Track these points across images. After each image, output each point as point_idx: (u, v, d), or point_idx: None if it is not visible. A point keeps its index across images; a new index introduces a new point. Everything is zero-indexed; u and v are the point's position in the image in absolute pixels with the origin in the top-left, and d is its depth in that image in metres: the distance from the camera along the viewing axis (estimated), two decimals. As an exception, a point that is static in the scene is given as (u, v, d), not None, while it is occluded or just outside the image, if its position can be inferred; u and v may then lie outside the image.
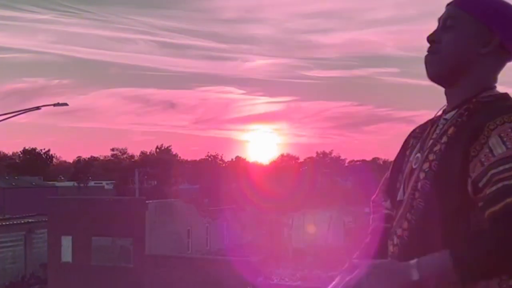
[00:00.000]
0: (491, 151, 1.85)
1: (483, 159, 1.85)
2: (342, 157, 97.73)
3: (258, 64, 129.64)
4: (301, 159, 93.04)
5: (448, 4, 2.14)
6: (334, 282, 2.07)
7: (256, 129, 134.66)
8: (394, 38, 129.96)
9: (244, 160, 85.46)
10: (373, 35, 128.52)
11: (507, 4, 2.08)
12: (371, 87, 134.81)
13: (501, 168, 1.80)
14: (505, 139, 1.84)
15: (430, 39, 2.11)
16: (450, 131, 2.01)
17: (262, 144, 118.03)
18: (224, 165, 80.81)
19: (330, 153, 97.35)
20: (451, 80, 2.10)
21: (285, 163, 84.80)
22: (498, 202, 1.78)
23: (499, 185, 1.79)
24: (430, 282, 1.82)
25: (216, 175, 60.84)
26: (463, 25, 2.06)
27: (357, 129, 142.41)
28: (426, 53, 2.13)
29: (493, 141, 1.85)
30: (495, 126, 1.87)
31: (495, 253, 1.76)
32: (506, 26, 2.05)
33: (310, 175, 61.37)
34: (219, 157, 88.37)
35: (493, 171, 1.81)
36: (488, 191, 1.81)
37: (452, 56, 2.06)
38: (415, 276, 1.82)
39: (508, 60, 2.10)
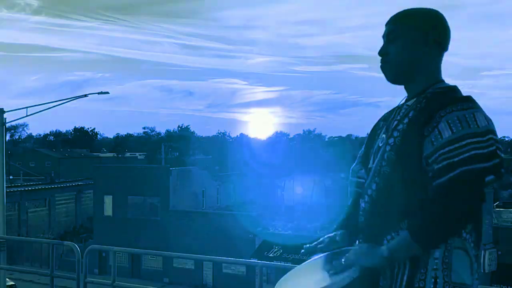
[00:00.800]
0: (440, 133, 1.87)
1: (433, 139, 1.88)
2: (323, 134, 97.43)
3: (258, 61, 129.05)
4: (291, 135, 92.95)
5: (386, 23, 2.14)
6: (317, 257, 2.12)
7: (256, 112, 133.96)
8: (363, 41, 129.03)
9: (246, 136, 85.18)
10: (347, 38, 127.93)
11: (431, 10, 2.10)
12: (345, 79, 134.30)
13: (446, 149, 1.84)
14: (451, 125, 1.87)
15: (381, 53, 2.12)
16: (411, 114, 2.03)
17: (260, 124, 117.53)
18: (231, 140, 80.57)
19: (314, 130, 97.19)
20: (407, 79, 2.11)
21: (278, 139, 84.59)
22: (443, 176, 1.82)
23: (444, 163, 1.83)
24: (399, 255, 1.89)
25: (225, 148, 60.79)
26: (404, 35, 2.08)
27: (335, 112, 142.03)
28: (380, 64, 2.13)
29: (442, 126, 1.88)
30: (445, 114, 1.90)
31: (442, 220, 1.81)
32: (436, 26, 2.07)
33: (298, 148, 61.31)
34: (227, 134, 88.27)
35: (440, 151, 1.85)
36: (436, 167, 1.85)
37: (402, 61, 2.08)
38: (385, 253, 1.88)
39: (444, 50, 2.11)
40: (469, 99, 1.96)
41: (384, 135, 2.10)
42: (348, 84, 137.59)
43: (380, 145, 2.10)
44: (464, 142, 1.83)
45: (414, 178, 1.90)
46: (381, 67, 2.12)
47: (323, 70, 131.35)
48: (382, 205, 2.00)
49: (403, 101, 2.15)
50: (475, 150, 1.81)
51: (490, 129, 1.87)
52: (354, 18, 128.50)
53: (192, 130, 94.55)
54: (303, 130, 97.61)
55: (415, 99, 2.07)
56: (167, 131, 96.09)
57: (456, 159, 1.81)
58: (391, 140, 2.04)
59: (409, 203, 1.91)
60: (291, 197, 42.70)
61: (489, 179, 1.82)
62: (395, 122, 2.08)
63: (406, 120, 2.03)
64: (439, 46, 2.08)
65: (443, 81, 2.09)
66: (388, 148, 2.03)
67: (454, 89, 2.05)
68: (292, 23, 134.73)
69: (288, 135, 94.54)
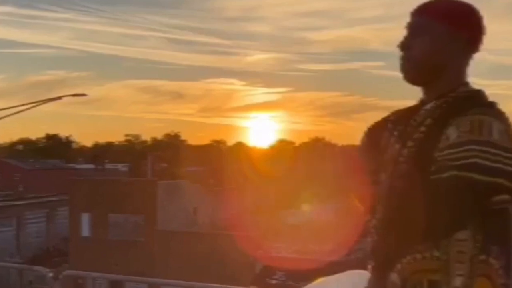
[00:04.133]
0: (447, 138, 1.91)
1: (440, 145, 1.92)
2: (334, 142, 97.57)
3: (258, 58, 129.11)
4: (297, 144, 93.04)
5: (412, 12, 2.13)
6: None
7: (256, 117, 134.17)
8: (380, 35, 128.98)
9: (245, 145, 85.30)
10: (361, 32, 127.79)
11: (467, 3, 2.09)
12: (359, 79, 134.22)
13: (446, 151, 1.88)
14: (460, 129, 1.89)
15: (402, 47, 2.11)
16: (428, 121, 2.03)
17: (261, 131, 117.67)
18: (227, 149, 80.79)
19: (323, 138, 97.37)
20: (428, 80, 2.10)
21: (282, 148, 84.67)
22: (434, 174, 1.87)
23: (441, 164, 1.88)
24: None
25: (220, 158, 60.85)
26: (431, 29, 2.06)
27: (347, 117, 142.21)
28: (400, 60, 2.12)
29: (451, 129, 1.91)
30: (459, 119, 1.92)
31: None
32: (470, 22, 2.07)
33: (304, 159, 61.41)
34: (223, 142, 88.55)
35: (443, 152, 1.89)
36: (433, 168, 1.89)
37: (426, 58, 2.07)
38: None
39: (473, 52, 2.11)
40: (491, 106, 1.98)
41: (397, 145, 2.10)
42: (362, 85, 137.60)
43: (394, 154, 2.10)
44: (467, 147, 1.85)
45: (428, 195, 1.90)
46: (402, 65, 2.12)
47: (334, 69, 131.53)
48: (395, 224, 2.00)
49: (418, 104, 2.16)
50: (477, 159, 1.83)
51: (503, 146, 1.87)
52: (369, 8, 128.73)
53: (182, 138, 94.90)
54: (311, 138, 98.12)
55: (434, 103, 2.08)
56: (154, 138, 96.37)
57: (454, 162, 1.84)
58: (405, 151, 2.04)
59: (429, 222, 1.91)
60: (295, 215, 42.66)
61: (503, 198, 1.85)
62: (410, 130, 2.08)
63: (422, 129, 2.03)
64: (471, 46, 2.09)
65: (467, 83, 2.10)
66: (401, 159, 2.04)
67: (479, 94, 2.06)
68: (298, 14, 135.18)
69: (294, 143, 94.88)
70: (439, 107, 2.04)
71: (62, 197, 41.93)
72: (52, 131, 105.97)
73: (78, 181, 38.84)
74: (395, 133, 2.15)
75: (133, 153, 75.93)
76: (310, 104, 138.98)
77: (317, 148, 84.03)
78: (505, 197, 1.85)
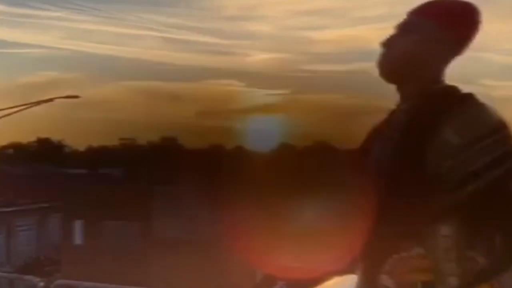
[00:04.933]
0: (447, 141, 1.93)
1: (441, 148, 1.94)
2: (338, 147, 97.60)
3: (258, 58, 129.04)
4: (299, 148, 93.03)
5: (408, 13, 2.17)
6: None
7: (257, 120, 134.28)
8: (384, 34, 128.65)
9: (244, 148, 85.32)
10: (365, 31, 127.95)
11: (464, 4, 2.11)
12: (365, 81, 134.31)
13: (463, 156, 1.91)
14: (459, 129, 1.94)
15: (384, 44, 2.18)
16: (407, 118, 2.09)
17: (262, 134, 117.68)
18: (226, 153, 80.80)
19: (326, 142, 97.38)
20: (405, 78, 2.15)
21: (284, 152, 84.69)
22: (459, 189, 1.91)
23: (468, 170, 1.91)
24: None
25: (219, 163, 60.90)
26: (421, 29, 2.10)
27: (353, 120, 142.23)
28: (380, 57, 2.21)
29: (448, 131, 1.94)
30: (449, 117, 1.96)
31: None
32: (463, 23, 2.10)
33: (307, 163, 61.43)
34: (222, 146, 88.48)
35: (456, 159, 1.92)
36: (450, 178, 1.92)
37: (408, 58, 2.11)
38: None
39: (459, 53, 2.15)
40: (472, 97, 2.03)
41: (376, 146, 2.17)
42: (368, 87, 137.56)
43: (376, 156, 2.17)
44: (478, 146, 1.90)
45: (412, 192, 1.97)
46: (379, 60, 2.19)
47: (338, 69, 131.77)
48: (379, 225, 2.07)
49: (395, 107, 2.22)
50: (493, 152, 1.89)
51: (503, 122, 1.95)
52: (372, 7, 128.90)
53: (180, 142, 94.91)
54: (314, 142, 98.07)
55: (409, 103, 2.13)
56: (150, 142, 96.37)
57: (476, 166, 1.89)
58: (386, 150, 2.11)
59: (408, 221, 1.98)
60: (300, 222, 42.67)
61: None
62: (389, 130, 2.16)
63: (401, 127, 2.09)
64: (459, 47, 2.13)
65: (443, 81, 2.14)
66: (384, 158, 2.11)
67: (455, 89, 2.11)
68: (300, 13, 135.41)
69: (296, 147, 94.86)
70: (415, 105, 2.09)
71: (54, 203, 41.92)
72: (43, 135, 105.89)
73: (71, 187, 38.82)
74: (377, 137, 2.22)
75: (129, 158, 75.96)
76: (313, 106, 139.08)
77: (320, 152, 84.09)
78: None
